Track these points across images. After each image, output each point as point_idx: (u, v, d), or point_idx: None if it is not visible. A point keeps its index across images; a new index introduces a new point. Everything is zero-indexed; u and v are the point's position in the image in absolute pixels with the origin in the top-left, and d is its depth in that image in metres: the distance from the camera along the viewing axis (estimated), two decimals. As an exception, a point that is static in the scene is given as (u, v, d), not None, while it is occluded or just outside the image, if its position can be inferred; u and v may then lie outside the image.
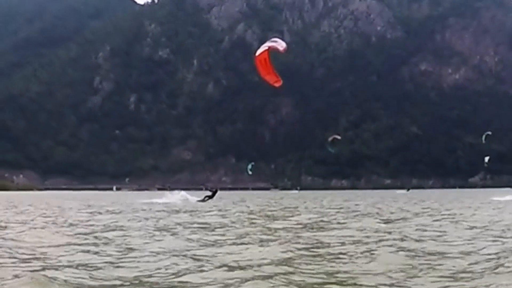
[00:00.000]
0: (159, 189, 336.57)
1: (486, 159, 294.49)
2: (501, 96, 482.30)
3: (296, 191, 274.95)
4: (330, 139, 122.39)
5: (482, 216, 45.43)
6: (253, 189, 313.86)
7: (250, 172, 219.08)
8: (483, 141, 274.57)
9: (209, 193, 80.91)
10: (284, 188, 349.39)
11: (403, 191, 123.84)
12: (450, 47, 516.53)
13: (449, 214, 48.62)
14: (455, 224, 37.60)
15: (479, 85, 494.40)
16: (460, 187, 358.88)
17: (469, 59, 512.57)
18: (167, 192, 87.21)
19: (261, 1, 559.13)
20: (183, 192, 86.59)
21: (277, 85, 40.49)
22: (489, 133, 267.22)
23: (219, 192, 79.83)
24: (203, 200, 76.58)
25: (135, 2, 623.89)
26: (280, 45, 39.79)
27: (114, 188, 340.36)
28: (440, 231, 30.86)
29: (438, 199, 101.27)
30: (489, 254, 20.02)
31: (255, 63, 39.64)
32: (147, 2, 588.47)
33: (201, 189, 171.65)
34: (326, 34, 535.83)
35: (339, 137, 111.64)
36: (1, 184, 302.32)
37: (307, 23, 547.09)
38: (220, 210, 53.43)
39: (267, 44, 39.89)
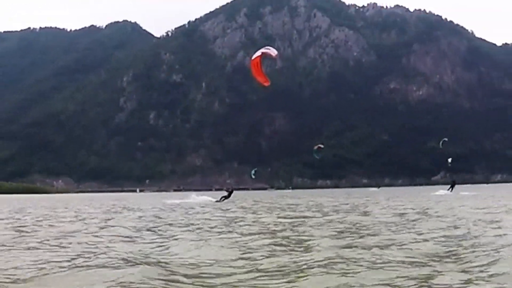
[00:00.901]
0: (175, 190, 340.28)
1: (449, 160, 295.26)
2: (457, 109, 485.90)
3: (290, 190, 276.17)
4: (315, 147, 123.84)
5: (405, 204, 52.91)
6: (253, 189, 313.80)
7: (253, 177, 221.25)
8: (441, 146, 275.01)
9: (226, 194, 76.19)
10: (279, 188, 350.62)
11: (375, 189, 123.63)
12: (415, 69, 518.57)
13: (387, 205, 52.47)
14: (384, 210, 42.81)
15: (439, 100, 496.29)
16: (425, 184, 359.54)
17: (430, 78, 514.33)
18: (193, 195, 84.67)
19: (257, 32, 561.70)
20: (205, 197, 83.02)
21: (266, 84, 44.54)
22: (445, 139, 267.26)
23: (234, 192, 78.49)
24: (219, 201, 72.07)
25: (153, 35, 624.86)
26: (273, 51, 43.05)
27: (138, 190, 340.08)
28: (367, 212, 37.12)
29: (393, 194, 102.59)
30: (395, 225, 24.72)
31: (250, 65, 41.06)
32: (163, 35, 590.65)
33: (211, 190, 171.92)
34: (312, 60, 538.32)
35: (322, 146, 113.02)
36: (43, 189, 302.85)
37: (296, 51, 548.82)
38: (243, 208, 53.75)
39: (262, 50, 41.59)
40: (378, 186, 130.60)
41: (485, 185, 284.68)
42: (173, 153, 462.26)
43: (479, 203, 51.35)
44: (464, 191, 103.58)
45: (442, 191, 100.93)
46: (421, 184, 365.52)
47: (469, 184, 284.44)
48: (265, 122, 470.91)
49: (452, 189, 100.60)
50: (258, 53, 42.18)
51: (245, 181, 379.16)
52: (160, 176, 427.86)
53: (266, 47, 45.16)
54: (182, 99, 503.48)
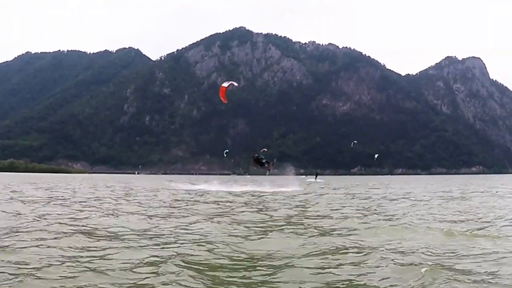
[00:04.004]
0: (162, 173, 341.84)
1: (376, 156, 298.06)
2: (371, 120, 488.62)
3: (248, 176, 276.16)
4: (261, 150, 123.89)
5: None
6: (220, 174, 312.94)
7: (225, 155, 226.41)
8: (352, 146, 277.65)
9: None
10: (239, 174, 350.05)
11: (313, 179, 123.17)
12: (341, 90, 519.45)
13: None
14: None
15: (358, 113, 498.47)
16: (345, 175, 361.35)
17: (352, 97, 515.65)
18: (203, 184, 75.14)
19: (227, 59, 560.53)
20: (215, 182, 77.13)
21: (224, 102, 54.09)
22: (355, 141, 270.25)
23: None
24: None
25: (150, 59, 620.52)
26: (234, 83, 45.17)
27: (136, 172, 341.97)
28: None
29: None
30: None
31: (219, 90, 45.33)
32: (158, 59, 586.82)
33: (191, 174, 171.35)
34: (266, 81, 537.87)
35: (266, 150, 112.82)
36: (66, 170, 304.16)
37: (255, 74, 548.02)
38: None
39: (227, 83, 44.75)
40: (316, 176, 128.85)
41: (389, 176, 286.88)
42: (161, 146, 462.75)
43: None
44: (322, 179, 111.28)
45: (310, 179, 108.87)
46: (342, 174, 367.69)
47: (378, 175, 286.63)
48: (230, 125, 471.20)
49: (316, 178, 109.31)
50: (226, 84, 45.90)
51: (214, 168, 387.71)
52: (151, 163, 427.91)
53: (230, 82, 48.61)
54: (170, 107, 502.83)
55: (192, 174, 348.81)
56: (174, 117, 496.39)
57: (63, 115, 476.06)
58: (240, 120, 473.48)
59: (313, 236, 15.03)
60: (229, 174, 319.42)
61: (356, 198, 37.51)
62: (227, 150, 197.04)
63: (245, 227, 17.66)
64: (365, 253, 11.65)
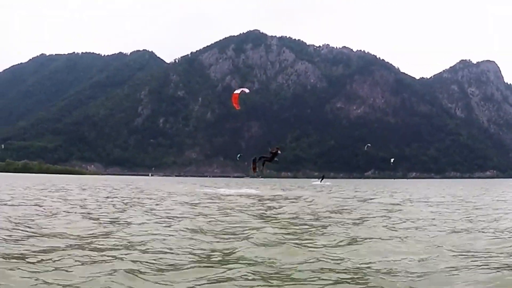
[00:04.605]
0: (176, 175, 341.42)
1: (392, 160, 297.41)
2: (385, 123, 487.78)
3: (262, 179, 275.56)
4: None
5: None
6: (234, 177, 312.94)
7: (238, 159, 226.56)
8: (365, 149, 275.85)
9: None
10: (252, 177, 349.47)
11: (318, 181, 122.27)
12: (355, 93, 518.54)
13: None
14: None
15: (372, 116, 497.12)
16: (359, 178, 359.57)
17: (366, 100, 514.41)
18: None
19: (241, 62, 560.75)
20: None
21: (237, 108, 52.12)
22: (369, 144, 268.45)
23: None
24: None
25: (164, 61, 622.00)
26: (246, 90, 46.09)
27: (150, 174, 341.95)
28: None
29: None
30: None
31: (232, 97, 45.12)
32: (172, 61, 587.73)
33: (206, 176, 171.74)
34: (280, 84, 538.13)
35: (279, 152, 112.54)
36: (80, 171, 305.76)
37: (269, 77, 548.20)
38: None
39: (241, 89, 44.76)
40: (321, 179, 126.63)
41: (403, 180, 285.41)
42: (175, 149, 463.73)
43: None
44: (327, 182, 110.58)
45: (316, 182, 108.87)
46: (356, 178, 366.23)
47: (392, 179, 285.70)
48: (244, 128, 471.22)
49: (321, 180, 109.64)
50: (238, 91, 45.78)
51: (228, 171, 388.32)
52: (165, 165, 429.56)
53: (242, 88, 48.29)
54: (184, 109, 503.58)
55: (206, 176, 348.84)
56: (188, 120, 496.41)
57: (77, 116, 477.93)
58: (254, 123, 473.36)
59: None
60: (242, 177, 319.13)
61: (332, 199, 37.51)
62: (241, 154, 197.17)
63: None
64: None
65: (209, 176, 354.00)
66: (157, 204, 28.64)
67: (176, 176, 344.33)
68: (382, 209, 26.30)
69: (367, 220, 19.95)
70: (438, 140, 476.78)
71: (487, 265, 10.06)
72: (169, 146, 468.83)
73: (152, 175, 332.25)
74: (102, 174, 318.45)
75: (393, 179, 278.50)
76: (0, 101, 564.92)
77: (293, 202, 32.79)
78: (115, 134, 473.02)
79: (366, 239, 13.82)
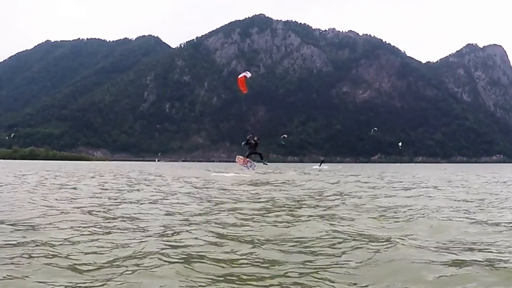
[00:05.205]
0: (182, 161, 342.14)
1: (400, 144, 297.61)
2: (391, 107, 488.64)
3: (267, 164, 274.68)
4: (282, 136, 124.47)
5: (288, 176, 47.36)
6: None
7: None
8: (372, 133, 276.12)
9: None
10: (258, 161, 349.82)
11: (317, 166, 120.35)
12: (361, 77, 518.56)
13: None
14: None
15: (378, 101, 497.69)
16: (365, 162, 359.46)
17: (372, 85, 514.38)
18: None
19: (247, 47, 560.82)
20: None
21: (244, 92, 48.44)
22: (375, 128, 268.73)
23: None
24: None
25: (170, 46, 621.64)
26: (248, 74, 44.95)
27: (156, 160, 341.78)
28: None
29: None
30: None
31: (238, 81, 45.53)
32: (177, 46, 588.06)
33: (213, 161, 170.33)
34: (286, 68, 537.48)
35: (286, 136, 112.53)
36: (87, 157, 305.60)
37: (274, 61, 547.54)
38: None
39: (244, 74, 44.18)
40: (320, 164, 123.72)
41: (410, 164, 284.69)
42: (182, 134, 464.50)
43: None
44: (325, 166, 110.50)
45: (316, 166, 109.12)
46: (362, 162, 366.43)
47: (397, 163, 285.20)
48: (250, 113, 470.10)
49: (321, 165, 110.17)
50: (242, 75, 45.41)
51: (234, 156, 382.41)
52: (171, 150, 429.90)
53: (246, 72, 47.94)
54: (189, 94, 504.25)
55: (213, 161, 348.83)
56: (194, 105, 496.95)
57: (83, 103, 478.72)
58: (260, 107, 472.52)
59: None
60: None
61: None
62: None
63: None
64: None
65: (216, 161, 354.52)
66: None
67: (183, 161, 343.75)
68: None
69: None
70: (445, 124, 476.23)
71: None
72: (175, 132, 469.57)
73: (159, 161, 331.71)
74: (109, 160, 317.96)
75: (398, 164, 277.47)
76: (6, 88, 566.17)
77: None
78: (121, 120, 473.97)
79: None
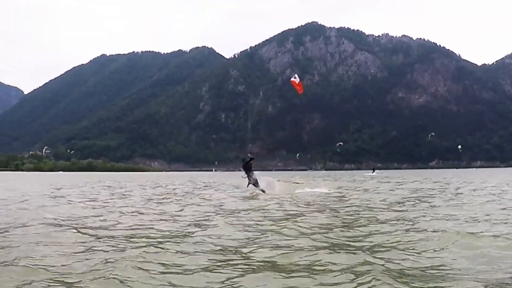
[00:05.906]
0: (239, 170, 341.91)
1: (459, 147, 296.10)
2: (447, 112, 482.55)
3: (324, 171, 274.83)
4: (337, 144, 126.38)
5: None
6: (296, 170, 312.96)
7: (298, 158, 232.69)
8: (429, 138, 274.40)
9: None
10: (315, 169, 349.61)
11: (370, 173, 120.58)
12: (416, 82, 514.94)
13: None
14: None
15: (434, 105, 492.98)
16: (423, 168, 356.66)
17: (427, 89, 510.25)
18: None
19: (300, 55, 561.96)
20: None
21: (300, 92, 46.26)
22: (433, 134, 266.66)
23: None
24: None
25: (224, 57, 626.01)
26: (297, 80, 45.91)
27: (213, 169, 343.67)
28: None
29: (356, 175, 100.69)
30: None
31: (292, 84, 45.20)
32: (231, 57, 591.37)
33: (270, 170, 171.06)
34: (340, 75, 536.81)
35: (342, 144, 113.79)
36: (144, 168, 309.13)
37: (328, 69, 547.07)
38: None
39: (293, 79, 44.69)
40: (373, 170, 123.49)
41: (468, 169, 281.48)
42: (237, 144, 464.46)
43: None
44: (378, 172, 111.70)
45: (368, 173, 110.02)
46: (420, 168, 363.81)
47: (455, 168, 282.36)
48: (306, 121, 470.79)
49: (373, 172, 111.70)
50: (296, 80, 45.87)
51: (291, 164, 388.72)
52: (227, 160, 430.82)
53: (295, 76, 48.25)
54: (244, 104, 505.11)
55: (270, 170, 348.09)
56: (249, 114, 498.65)
57: (139, 115, 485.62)
58: (315, 115, 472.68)
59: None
60: (305, 170, 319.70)
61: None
62: (299, 154, 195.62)
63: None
64: None
65: (272, 170, 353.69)
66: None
67: (240, 171, 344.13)
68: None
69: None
70: (502, 127, 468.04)
71: None
72: (231, 141, 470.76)
73: (216, 170, 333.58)
74: (166, 171, 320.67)
75: (457, 169, 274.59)
76: (63, 101, 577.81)
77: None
78: (177, 131, 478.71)
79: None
